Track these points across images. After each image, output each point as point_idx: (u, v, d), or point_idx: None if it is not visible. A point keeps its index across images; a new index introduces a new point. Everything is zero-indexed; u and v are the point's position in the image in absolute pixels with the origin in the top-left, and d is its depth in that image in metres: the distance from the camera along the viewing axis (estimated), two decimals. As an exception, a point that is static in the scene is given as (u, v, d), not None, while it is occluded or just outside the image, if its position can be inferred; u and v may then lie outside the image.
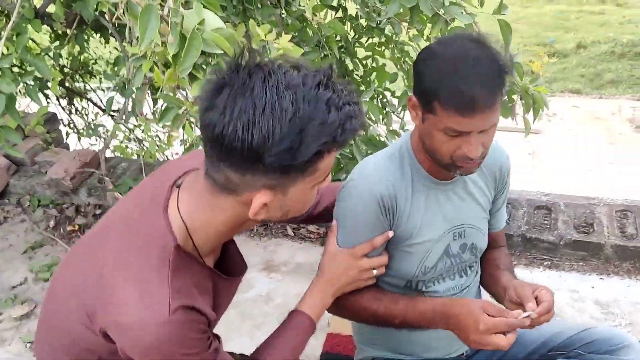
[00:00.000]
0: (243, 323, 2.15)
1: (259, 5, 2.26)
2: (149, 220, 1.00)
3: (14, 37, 1.95)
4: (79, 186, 2.97)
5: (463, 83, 1.11)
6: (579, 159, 6.13)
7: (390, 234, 1.32)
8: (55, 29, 2.82)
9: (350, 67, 2.95)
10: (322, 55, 2.28)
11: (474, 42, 1.17)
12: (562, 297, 2.17)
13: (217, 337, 1.07)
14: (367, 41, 2.76)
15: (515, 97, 2.27)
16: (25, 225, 2.91)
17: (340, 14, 2.96)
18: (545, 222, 2.45)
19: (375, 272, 1.33)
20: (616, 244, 2.31)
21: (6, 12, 2.52)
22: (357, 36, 3.00)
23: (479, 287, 1.53)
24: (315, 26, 2.24)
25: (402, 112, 3.11)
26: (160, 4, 1.45)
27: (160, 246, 0.97)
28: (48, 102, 3.30)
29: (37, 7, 2.38)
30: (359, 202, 1.30)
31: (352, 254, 1.30)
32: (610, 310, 2.13)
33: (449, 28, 2.08)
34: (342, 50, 3.09)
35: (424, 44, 2.78)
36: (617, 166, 5.67)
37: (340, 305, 1.35)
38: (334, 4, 2.78)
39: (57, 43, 2.89)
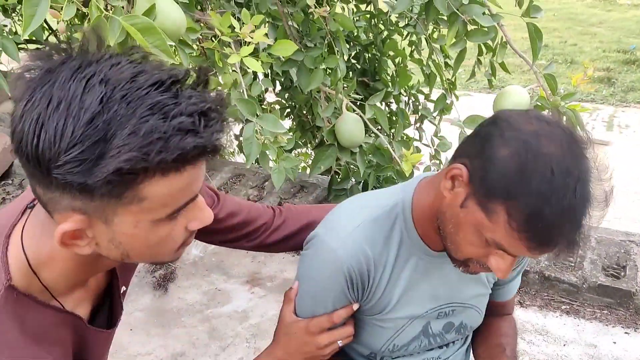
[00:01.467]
0: (211, 342, 1.97)
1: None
2: None
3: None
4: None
5: (557, 214, 0.80)
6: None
7: (355, 306, 1.07)
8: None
9: (384, 66, 2.75)
10: (327, 51, 2.05)
11: (576, 157, 0.83)
12: (576, 350, 1.87)
13: None
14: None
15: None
16: (22, 208, 2.84)
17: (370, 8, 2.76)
18: (570, 259, 2.13)
19: (340, 343, 1.11)
20: (650, 294, 1.99)
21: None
22: (387, 33, 2.78)
23: (468, 356, 1.28)
24: (319, 19, 2.01)
25: (439, 117, 2.87)
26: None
27: None
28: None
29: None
30: (322, 270, 1.06)
31: (307, 329, 1.09)
32: (632, 374, 1.81)
33: (469, 30, 1.83)
34: (374, 48, 2.87)
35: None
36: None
37: None
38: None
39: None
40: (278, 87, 2.95)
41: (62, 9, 1.07)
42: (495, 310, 1.26)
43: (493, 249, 0.88)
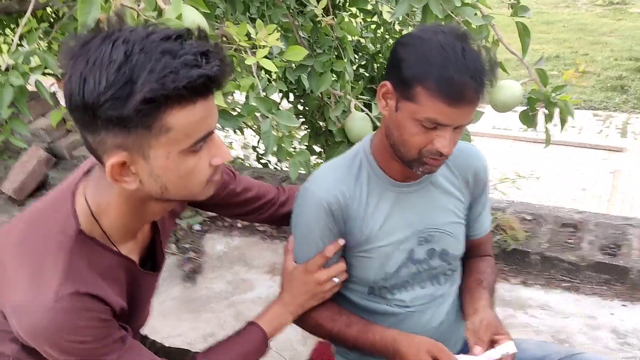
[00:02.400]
0: (237, 324, 2.12)
1: (273, 5, 2.26)
2: (55, 206, 0.99)
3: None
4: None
5: (455, 71, 1.05)
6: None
7: (341, 242, 1.28)
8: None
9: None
10: (335, 56, 2.23)
11: (459, 35, 1.10)
12: (576, 322, 2.00)
13: (126, 328, 1.03)
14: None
15: (537, 105, 2.14)
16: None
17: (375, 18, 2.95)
18: (570, 241, 2.27)
19: (336, 280, 1.29)
20: (645, 269, 2.11)
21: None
22: (392, 41, 2.95)
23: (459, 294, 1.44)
24: (327, 27, 2.20)
25: None
26: (137, 0, 1.46)
27: (62, 231, 0.95)
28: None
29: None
30: (307, 211, 1.27)
31: (306, 269, 1.27)
32: (628, 340, 1.93)
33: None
34: (380, 56, 3.05)
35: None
36: None
37: (301, 319, 1.33)
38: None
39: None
40: (292, 98, 3.14)
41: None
42: (474, 251, 1.44)
43: (432, 131, 1.10)
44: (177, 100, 0.83)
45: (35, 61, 1.97)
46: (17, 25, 3.43)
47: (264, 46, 1.69)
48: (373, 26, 2.94)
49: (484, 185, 1.39)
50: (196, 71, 0.82)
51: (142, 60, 0.81)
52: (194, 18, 1.52)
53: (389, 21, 2.87)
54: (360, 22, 3.06)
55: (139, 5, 1.44)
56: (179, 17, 1.44)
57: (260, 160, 3.47)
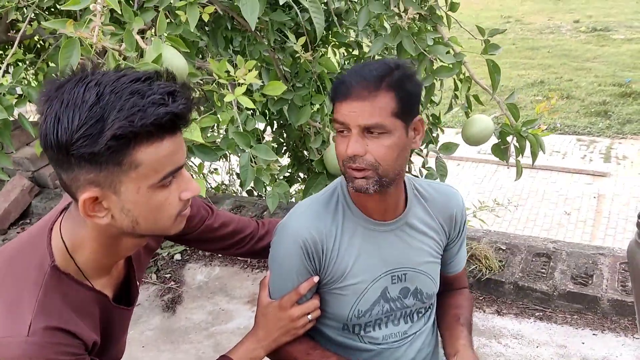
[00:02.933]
0: (215, 355, 2.14)
1: (255, 42, 2.32)
2: (33, 243, 1.03)
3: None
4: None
5: (347, 75, 1.17)
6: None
7: (316, 279, 1.29)
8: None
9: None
10: (314, 90, 2.30)
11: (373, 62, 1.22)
12: (547, 351, 2.05)
13: None
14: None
15: (509, 139, 2.21)
16: (41, 245, 3.04)
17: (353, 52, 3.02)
18: (542, 270, 2.32)
19: (310, 316, 1.32)
20: (614, 299, 2.16)
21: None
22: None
23: (435, 333, 1.46)
24: (306, 62, 2.26)
25: (426, 150, 3.09)
26: (119, 41, 1.52)
27: (38, 267, 0.99)
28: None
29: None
30: (284, 248, 1.30)
31: (280, 306, 1.30)
32: (598, 369, 1.98)
33: (434, 68, 2.06)
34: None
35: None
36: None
37: (275, 352, 1.34)
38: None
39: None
40: (276, 126, 3.21)
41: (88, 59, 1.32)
42: (450, 285, 1.47)
43: (344, 137, 1.19)
44: (146, 136, 0.88)
45: (22, 90, 2.02)
46: (3, 54, 3.48)
47: (242, 84, 1.74)
48: (354, 59, 3.02)
49: (461, 226, 1.42)
50: (163, 109, 0.88)
51: (112, 100, 0.86)
52: (173, 59, 1.58)
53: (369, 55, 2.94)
54: (343, 54, 3.13)
55: (120, 46, 1.50)
56: (159, 57, 1.50)
57: (244, 188, 3.52)
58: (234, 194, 3.36)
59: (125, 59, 1.50)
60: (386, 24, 2.20)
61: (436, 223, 1.37)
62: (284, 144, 3.19)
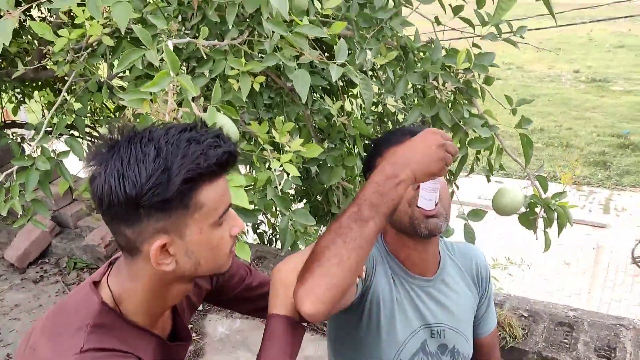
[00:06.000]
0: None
1: (291, 102, 2.38)
2: (81, 293, 1.06)
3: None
4: (112, 253, 3.11)
5: (393, 133, 1.31)
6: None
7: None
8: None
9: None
10: (347, 151, 2.34)
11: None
12: None
13: None
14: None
15: (537, 209, 2.24)
16: (58, 286, 3.05)
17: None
18: (565, 340, 2.35)
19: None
20: (638, 373, 2.19)
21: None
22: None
23: None
24: (340, 125, 2.32)
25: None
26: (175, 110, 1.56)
27: (86, 307, 1.01)
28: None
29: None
30: None
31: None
32: None
33: (468, 139, 2.12)
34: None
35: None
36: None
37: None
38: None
39: (118, 113, 3.12)
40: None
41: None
42: (483, 355, 1.49)
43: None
44: (208, 177, 0.96)
45: (65, 142, 2.05)
46: (30, 91, 3.53)
47: (287, 151, 1.79)
48: (375, 115, 3.08)
49: (487, 282, 1.47)
50: (220, 149, 0.96)
51: (171, 150, 0.93)
52: (225, 124, 1.62)
53: (392, 112, 3.00)
54: (361, 105, 3.20)
55: (178, 115, 1.54)
56: (214, 125, 1.55)
57: (260, 235, 3.51)
58: (257, 244, 3.38)
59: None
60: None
61: (466, 276, 1.43)
62: (303, 193, 3.22)
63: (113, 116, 3.39)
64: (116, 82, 2.56)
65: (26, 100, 3.40)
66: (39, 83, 3.60)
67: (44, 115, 2.06)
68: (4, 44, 1.36)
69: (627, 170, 8.66)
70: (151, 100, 1.22)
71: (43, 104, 3.57)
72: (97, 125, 3.87)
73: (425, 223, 1.25)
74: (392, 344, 1.33)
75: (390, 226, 1.32)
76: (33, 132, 2.07)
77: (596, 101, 11.97)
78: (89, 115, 3.54)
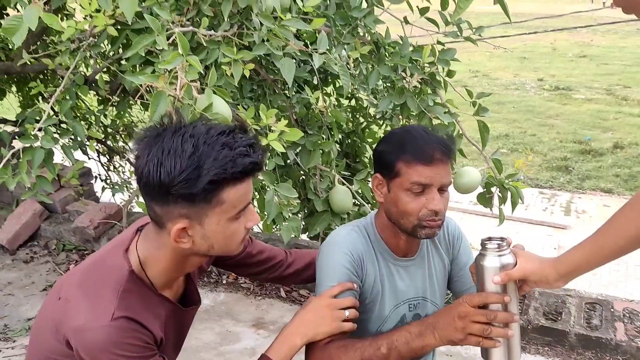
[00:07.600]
0: (227, 373, 2.36)
1: (274, 92, 2.60)
2: (112, 254, 1.23)
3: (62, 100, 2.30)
4: (101, 235, 3.28)
5: (423, 143, 1.37)
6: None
7: (356, 285, 1.42)
8: (100, 94, 3.23)
9: (363, 151, 3.25)
10: (325, 137, 2.56)
11: (421, 126, 1.51)
12: (522, 378, 2.32)
13: (163, 357, 1.22)
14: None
15: (493, 189, 2.49)
16: (49, 266, 3.20)
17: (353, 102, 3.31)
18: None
19: (347, 313, 1.38)
20: (580, 333, 2.47)
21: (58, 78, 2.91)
22: (366, 123, 3.31)
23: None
24: (318, 113, 2.54)
25: None
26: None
27: (118, 270, 1.18)
28: (89, 158, 3.67)
29: (88, 74, 2.76)
30: (332, 256, 1.45)
31: (319, 296, 1.40)
32: (566, 398, 2.26)
33: (434, 124, 2.36)
34: (355, 135, 3.41)
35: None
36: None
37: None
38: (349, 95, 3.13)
39: (102, 106, 3.29)
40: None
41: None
42: None
43: (421, 196, 1.38)
44: (232, 181, 1.11)
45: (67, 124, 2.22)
46: (19, 84, 3.66)
47: (273, 130, 2.01)
48: (349, 109, 3.30)
49: (460, 241, 1.62)
50: (248, 159, 1.11)
51: (206, 150, 1.08)
52: (219, 105, 1.84)
53: (364, 106, 3.23)
54: (338, 101, 3.42)
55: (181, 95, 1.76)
56: (210, 105, 1.76)
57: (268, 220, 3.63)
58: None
59: (182, 105, 1.75)
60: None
61: (440, 250, 1.59)
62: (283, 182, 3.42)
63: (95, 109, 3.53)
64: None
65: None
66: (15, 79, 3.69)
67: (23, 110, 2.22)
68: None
69: (587, 174, 8.83)
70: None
71: (19, 100, 3.64)
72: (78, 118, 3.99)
73: (428, 232, 1.40)
74: (376, 319, 1.50)
75: (388, 219, 1.46)
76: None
77: (559, 109, 12.19)
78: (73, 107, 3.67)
